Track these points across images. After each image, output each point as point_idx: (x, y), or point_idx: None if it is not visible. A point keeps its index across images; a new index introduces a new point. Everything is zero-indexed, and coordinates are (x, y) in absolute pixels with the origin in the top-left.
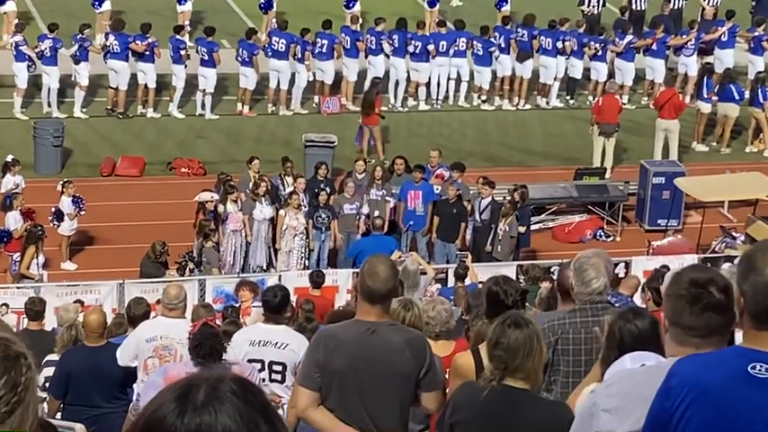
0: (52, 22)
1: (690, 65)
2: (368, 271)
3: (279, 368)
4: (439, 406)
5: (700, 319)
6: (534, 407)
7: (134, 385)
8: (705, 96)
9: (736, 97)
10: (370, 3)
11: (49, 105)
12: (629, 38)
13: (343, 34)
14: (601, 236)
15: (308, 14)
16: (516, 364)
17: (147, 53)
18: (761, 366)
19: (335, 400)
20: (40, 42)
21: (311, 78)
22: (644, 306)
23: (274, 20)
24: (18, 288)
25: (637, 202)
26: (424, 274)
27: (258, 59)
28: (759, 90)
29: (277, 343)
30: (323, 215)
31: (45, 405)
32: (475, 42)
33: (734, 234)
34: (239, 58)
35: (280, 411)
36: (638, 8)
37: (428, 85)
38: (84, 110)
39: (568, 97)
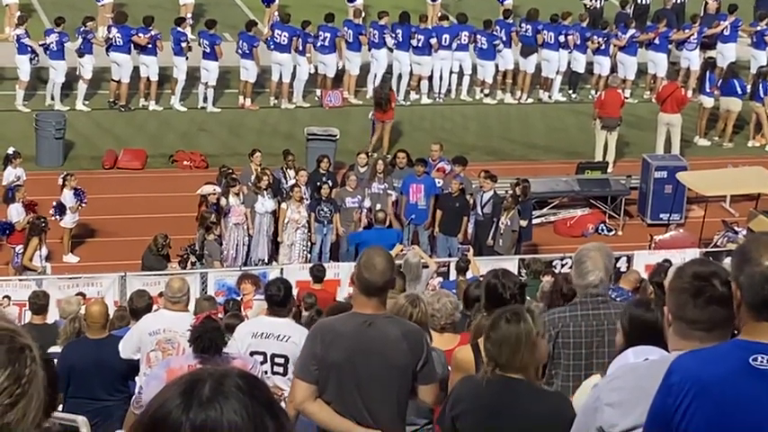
0: (59, 16)
1: (692, 59)
2: (365, 263)
3: (281, 360)
4: (436, 399)
5: (703, 312)
6: (532, 397)
7: (136, 378)
8: (707, 91)
9: (739, 92)
10: None
11: (52, 98)
12: (631, 32)
13: (345, 28)
14: (603, 230)
15: (310, 7)
16: (505, 359)
17: (150, 46)
18: (762, 358)
19: (332, 393)
20: (47, 37)
21: (312, 71)
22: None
23: (277, 13)
24: (20, 281)
25: (639, 197)
26: (426, 267)
27: (258, 52)
28: (760, 85)
29: (279, 335)
30: (325, 208)
31: None
32: (478, 36)
33: (736, 228)
34: (239, 51)
35: (282, 404)
36: (642, 2)
37: (430, 78)
38: (87, 102)
39: (571, 91)
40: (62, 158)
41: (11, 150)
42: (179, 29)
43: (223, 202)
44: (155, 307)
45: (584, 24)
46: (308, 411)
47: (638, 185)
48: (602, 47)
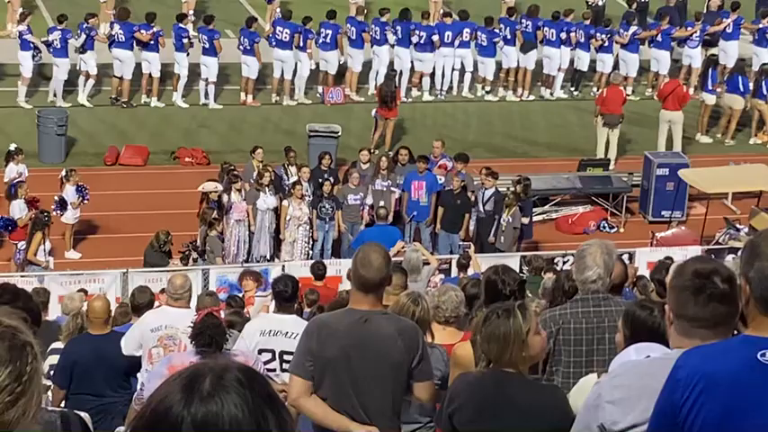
0: (61, 14)
1: (694, 56)
2: (361, 260)
3: (290, 358)
4: (431, 396)
5: (705, 309)
6: (526, 391)
7: (138, 375)
8: (709, 88)
9: (742, 89)
10: None
11: (55, 95)
12: (633, 29)
13: (348, 25)
14: (604, 227)
15: (311, 4)
16: (494, 354)
17: (152, 42)
18: None
19: (327, 389)
20: (50, 34)
21: (313, 66)
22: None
23: (278, 9)
24: (22, 276)
25: (641, 194)
26: (428, 264)
27: (260, 48)
28: (763, 82)
29: (287, 332)
30: (327, 205)
31: (50, 394)
32: (479, 33)
33: (738, 225)
34: (241, 47)
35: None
36: None
37: (432, 75)
38: (89, 99)
39: (573, 88)
40: (64, 155)
41: (13, 147)
42: (181, 25)
43: (225, 198)
44: (156, 303)
45: (587, 22)
46: (302, 407)
47: (639, 183)
48: (606, 44)
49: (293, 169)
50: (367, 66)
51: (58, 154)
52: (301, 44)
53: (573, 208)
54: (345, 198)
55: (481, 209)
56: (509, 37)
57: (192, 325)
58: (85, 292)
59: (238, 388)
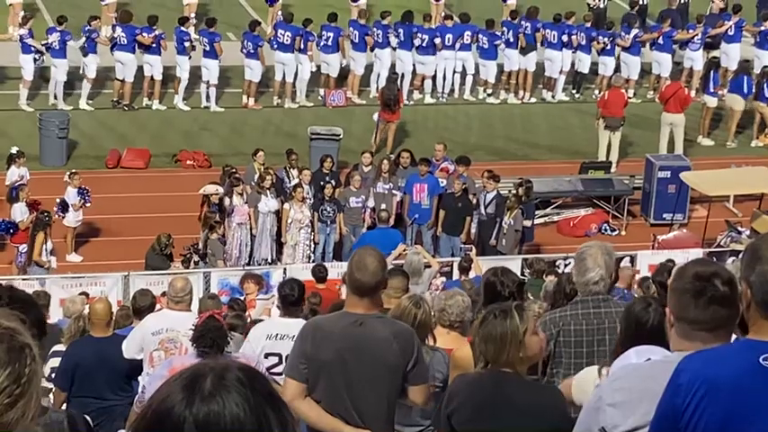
0: (61, 15)
1: (696, 59)
2: (356, 263)
3: None
4: (426, 399)
5: (705, 312)
6: (524, 391)
7: (139, 378)
8: (711, 90)
9: (746, 90)
10: None
11: (55, 98)
12: (635, 31)
13: (351, 28)
14: (606, 230)
15: (313, 7)
16: (491, 355)
17: (154, 45)
18: None
19: (322, 392)
20: (49, 35)
21: (314, 69)
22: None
23: (280, 12)
24: (23, 279)
25: (642, 196)
26: (429, 267)
27: (264, 51)
28: (764, 84)
29: (294, 336)
30: (328, 208)
31: (51, 396)
32: (480, 36)
33: (739, 228)
34: (244, 50)
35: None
36: (642, 2)
37: (434, 78)
38: (90, 102)
39: (574, 91)
40: (65, 158)
41: (14, 150)
42: (182, 28)
43: (226, 201)
44: (158, 306)
45: (589, 25)
46: (296, 410)
47: (641, 185)
48: (608, 47)
49: (295, 172)
50: (369, 69)
51: (59, 157)
52: (302, 47)
53: (574, 211)
54: (347, 201)
55: (483, 212)
56: (512, 40)
57: (193, 328)
58: (87, 295)
59: (239, 387)
